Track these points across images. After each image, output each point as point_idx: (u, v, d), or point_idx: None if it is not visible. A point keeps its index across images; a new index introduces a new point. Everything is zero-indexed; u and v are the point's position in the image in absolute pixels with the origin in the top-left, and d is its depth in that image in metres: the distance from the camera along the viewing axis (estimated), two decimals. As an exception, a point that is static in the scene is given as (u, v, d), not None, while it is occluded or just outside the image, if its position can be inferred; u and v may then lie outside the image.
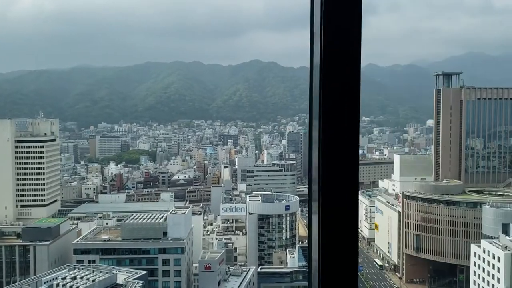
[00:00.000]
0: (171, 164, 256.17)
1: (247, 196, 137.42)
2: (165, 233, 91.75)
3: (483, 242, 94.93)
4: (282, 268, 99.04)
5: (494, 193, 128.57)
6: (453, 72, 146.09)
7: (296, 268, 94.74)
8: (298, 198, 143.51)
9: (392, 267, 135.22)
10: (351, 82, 2.42)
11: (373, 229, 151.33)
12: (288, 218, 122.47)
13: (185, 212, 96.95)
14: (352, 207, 2.44)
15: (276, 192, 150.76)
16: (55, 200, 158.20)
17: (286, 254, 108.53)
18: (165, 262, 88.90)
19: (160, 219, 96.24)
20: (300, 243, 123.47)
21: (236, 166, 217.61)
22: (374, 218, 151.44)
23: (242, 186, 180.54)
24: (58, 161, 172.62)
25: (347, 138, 2.46)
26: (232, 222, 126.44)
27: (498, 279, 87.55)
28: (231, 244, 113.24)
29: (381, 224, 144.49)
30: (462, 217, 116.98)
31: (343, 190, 2.41)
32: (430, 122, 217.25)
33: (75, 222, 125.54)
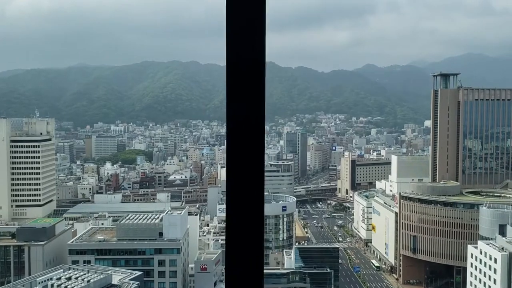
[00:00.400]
0: (167, 164, 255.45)
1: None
2: (161, 234, 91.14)
3: (480, 243, 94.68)
4: (279, 269, 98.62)
5: (491, 194, 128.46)
6: (450, 73, 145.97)
7: (293, 269, 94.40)
8: (295, 199, 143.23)
9: (389, 268, 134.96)
10: (255, 84, 2.48)
11: (370, 230, 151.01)
12: (285, 219, 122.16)
13: (181, 213, 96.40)
14: (257, 209, 2.47)
15: (273, 193, 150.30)
16: (51, 200, 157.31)
17: (283, 255, 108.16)
18: (161, 262, 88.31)
19: (156, 219, 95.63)
20: (297, 244, 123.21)
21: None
22: (371, 219, 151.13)
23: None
24: (54, 161, 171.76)
25: (252, 143, 2.48)
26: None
27: (495, 280, 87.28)
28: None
29: (378, 225, 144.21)
30: (459, 218, 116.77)
31: (249, 182, 2.44)
32: (428, 123, 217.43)
33: (71, 222, 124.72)
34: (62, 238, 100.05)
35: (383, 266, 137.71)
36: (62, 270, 76.18)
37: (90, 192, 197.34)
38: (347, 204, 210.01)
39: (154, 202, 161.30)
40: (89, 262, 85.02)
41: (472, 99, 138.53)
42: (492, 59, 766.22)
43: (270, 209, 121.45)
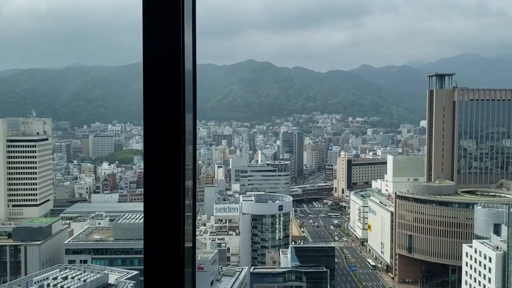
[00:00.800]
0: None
1: (241, 196, 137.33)
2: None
3: (475, 242, 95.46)
4: (275, 268, 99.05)
5: (486, 194, 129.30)
6: (446, 73, 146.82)
7: (289, 268, 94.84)
8: (291, 198, 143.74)
9: (385, 267, 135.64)
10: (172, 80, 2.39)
11: (366, 229, 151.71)
12: (281, 218, 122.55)
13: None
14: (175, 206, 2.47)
15: (270, 192, 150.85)
16: (47, 200, 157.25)
17: (279, 254, 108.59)
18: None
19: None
20: (293, 243, 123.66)
21: (230, 166, 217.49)
22: (367, 218, 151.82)
23: (236, 186, 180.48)
24: (51, 160, 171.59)
25: (170, 143, 2.42)
26: (226, 222, 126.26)
27: (489, 279, 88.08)
28: (224, 244, 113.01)
29: (374, 224, 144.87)
30: (455, 218, 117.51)
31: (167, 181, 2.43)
32: (424, 123, 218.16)
33: (68, 222, 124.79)
34: (59, 238, 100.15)
35: (379, 265, 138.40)
36: (58, 269, 76.38)
37: (87, 192, 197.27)
38: (343, 204, 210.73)
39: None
40: (85, 261, 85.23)
41: (467, 100, 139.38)
42: (488, 60, 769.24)
43: (266, 208, 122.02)
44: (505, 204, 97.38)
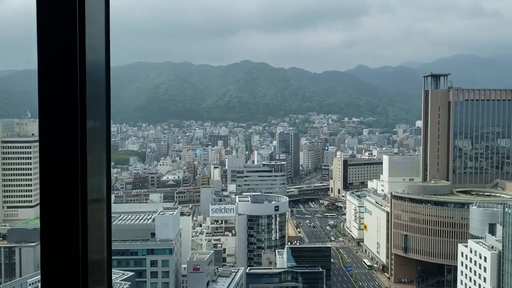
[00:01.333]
0: (160, 164, 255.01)
1: (237, 197, 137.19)
2: (153, 234, 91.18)
3: (470, 242, 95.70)
4: (271, 269, 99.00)
5: (481, 193, 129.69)
6: (441, 73, 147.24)
7: (285, 268, 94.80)
8: (287, 198, 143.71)
9: (381, 267, 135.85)
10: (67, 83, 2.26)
11: (362, 229, 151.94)
12: (277, 219, 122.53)
13: (173, 213, 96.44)
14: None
15: (266, 193, 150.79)
16: None
17: (275, 254, 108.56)
18: (153, 263, 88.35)
19: (148, 220, 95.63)
20: (289, 243, 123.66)
21: (226, 167, 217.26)
22: (363, 218, 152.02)
23: (232, 187, 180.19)
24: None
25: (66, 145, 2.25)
26: (222, 223, 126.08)
27: (485, 278, 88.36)
28: (220, 245, 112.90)
29: (370, 224, 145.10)
30: (450, 218, 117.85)
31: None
32: (419, 123, 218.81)
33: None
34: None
35: (375, 265, 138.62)
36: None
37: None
38: (340, 204, 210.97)
39: (147, 202, 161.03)
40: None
41: (462, 100, 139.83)
42: (483, 60, 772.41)
43: (262, 209, 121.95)
44: (500, 204, 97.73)
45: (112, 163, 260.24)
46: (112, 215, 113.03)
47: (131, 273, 78.56)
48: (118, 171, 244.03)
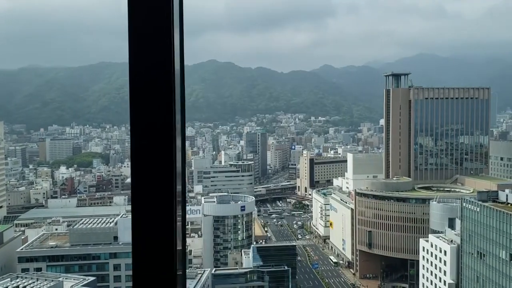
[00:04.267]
0: (125, 166, 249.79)
1: (203, 198, 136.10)
2: (116, 238, 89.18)
3: (431, 236, 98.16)
4: (237, 269, 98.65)
5: (441, 189, 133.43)
6: (402, 72, 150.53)
7: (251, 268, 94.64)
8: (254, 198, 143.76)
9: (346, 263, 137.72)
10: (162, 85, 2.28)
11: (328, 226, 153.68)
12: (244, 219, 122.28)
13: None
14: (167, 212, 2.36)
15: (233, 193, 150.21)
16: (1, 207, 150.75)
17: (241, 254, 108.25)
18: (116, 267, 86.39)
19: (110, 223, 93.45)
20: (254, 243, 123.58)
21: (193, 168, 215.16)
22: (329, 215, 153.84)
23: (198, 188, 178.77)
24: (4, 165, 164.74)
25: (160, 145, 2.31)
26: (188, 225, 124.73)
27: (445, 272, 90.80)
28: (187, 246, 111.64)
29: (336, 222, 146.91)
30: (412, 213, 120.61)
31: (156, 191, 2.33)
32: (383, 122, 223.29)
33: (22, 228, 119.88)
34: (11, 246, 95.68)
35: (341, 261, 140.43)
36: (9, 279, 73.07)
37: (44, 197, 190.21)
38: (306, 202, 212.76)
39: (110, 205, 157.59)
40: (40, 269, 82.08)
41: (423, 98, 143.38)
42: (443, 59, 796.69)
43: (228, 209, 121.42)
44: (458, 199, 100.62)
45: (75, 166, 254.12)
46: (75, 219, 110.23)
47: (92, 278, 76.48)
48: (81, 174, 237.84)
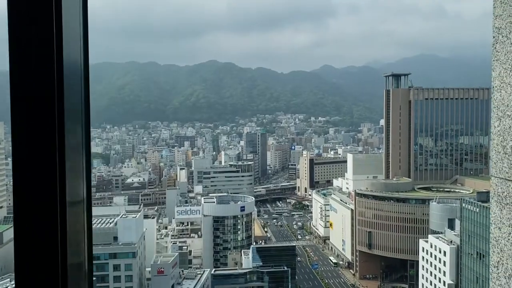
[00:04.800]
0: (125, 167, 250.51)
1: (202, 198, 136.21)
2: (115, 238, 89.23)
3: (431, 237, 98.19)
4: (236, 269, 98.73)
5: (441, 189, 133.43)
6: (402, 73, 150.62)
7: (250, 268, 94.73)
8: (253, 198, 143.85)
9: (346, 264, 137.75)
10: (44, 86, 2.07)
11: (328, 227, 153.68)
12: (243, 219, 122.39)
13: (136, 216, 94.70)
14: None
15: (233, 193, 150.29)
16: (1, 207, 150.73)
17: (241, 255, 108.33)
18: (116, 267, 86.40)
19: (110, 223, 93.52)
20: (254, 243, 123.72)
21: (193, 168, 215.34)
22: (328, 216, 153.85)
23: (198, 188, 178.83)
24: (4, 165, 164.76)
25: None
26: (188, 225, 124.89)
27: (444, 272, 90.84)
28: (186, 247, 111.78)
29: (336, 222, 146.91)
30: (412, 214, 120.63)
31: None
32: (383, 122, 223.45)
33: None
34: (11, 246, 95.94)
35: (341, 262, 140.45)
36: (9, 279, 73.22)
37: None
38: (306, 202, 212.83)
39: (110, 205, 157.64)
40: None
41: (423, 98, 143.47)
42: (444, 59, 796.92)
43: (228, 209, 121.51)
44: (458, 199, 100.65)
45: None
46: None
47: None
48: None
